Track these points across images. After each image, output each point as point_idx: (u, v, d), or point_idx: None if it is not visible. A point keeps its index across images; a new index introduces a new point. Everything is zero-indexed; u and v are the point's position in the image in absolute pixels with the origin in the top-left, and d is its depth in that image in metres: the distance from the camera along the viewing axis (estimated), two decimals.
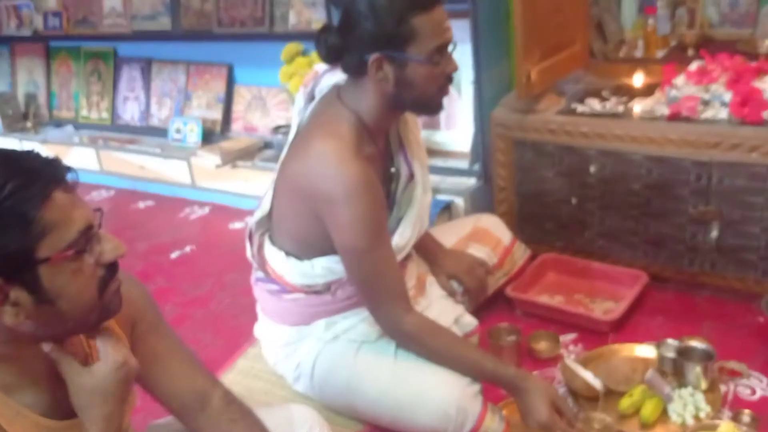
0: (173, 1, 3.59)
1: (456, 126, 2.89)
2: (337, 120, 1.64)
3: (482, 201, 2.69)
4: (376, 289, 1.67)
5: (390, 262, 1.68)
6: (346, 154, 1.58)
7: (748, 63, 2.28)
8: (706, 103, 2.23)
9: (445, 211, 2.66)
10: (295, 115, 1.87)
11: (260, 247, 1.87)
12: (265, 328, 1.95)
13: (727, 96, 2.18)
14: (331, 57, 1.63)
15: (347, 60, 1.61)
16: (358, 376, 1.73)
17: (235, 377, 2.04)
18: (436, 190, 2.72)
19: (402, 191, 1.83)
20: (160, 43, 3.79)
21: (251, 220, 1.89)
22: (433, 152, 2.90)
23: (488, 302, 2.32)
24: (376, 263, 1.64)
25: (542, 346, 2.09)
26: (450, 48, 1.62)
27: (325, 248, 1.69)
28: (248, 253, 1.90)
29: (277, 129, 3.29)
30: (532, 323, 2.22)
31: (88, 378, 1.06)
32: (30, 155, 0.98)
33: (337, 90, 1.70)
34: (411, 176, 1.83)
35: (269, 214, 1.84)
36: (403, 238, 1.80)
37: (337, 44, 1.59)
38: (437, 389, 1.63)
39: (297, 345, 1.84)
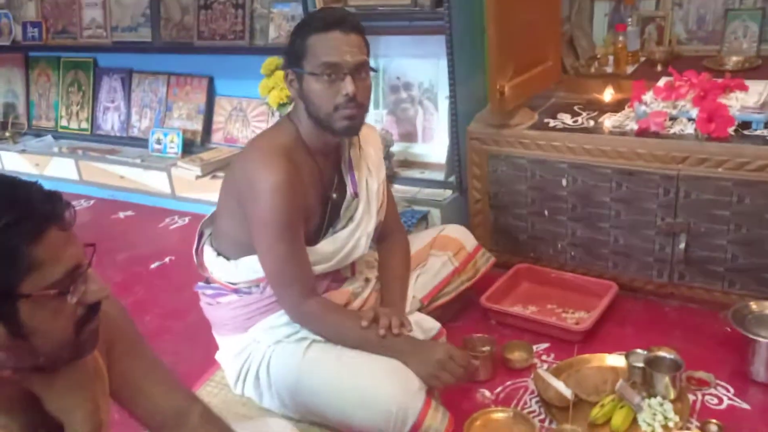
0: (154, 13, 3.61)
1: (433, 138, 2.94)
2: (279, 129, 1.85)
3: (458, 212, 2.73)
4: (282, 275, 1.78)
5: (298, 254, 1.78)
6: (274, 153, 1.73)
7: (715, 79, 2.34)
8: (673, 119, 2.30)
9: (422, 221, 2.70)
10: None
11: (203, 247, 1.99)
12: (220, 350, 2.01)
13: (694, 112, 2.25)
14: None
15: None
16: (305, 375, 1.77)
17: (212, 390, 2.06)
18: (412, 201, 2.76)
19: (345, 208, 1.91)
20: (141, 54, 3.81)
21: (203, 220, 2.03)
22: (410, 164, 2.96)
23: (462, 312, 2.37)
24: (285, 253, 1.75)
25: (516, 356, 2.13)
26: (363, 75, 1.73)
27: (251, 247, 1.80)
28: (193, 249, 2.02)
29: None
30: (506, 333, 2.27)
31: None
32: (32, 189, 0.97)
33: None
34: (355, 195, 1.91)
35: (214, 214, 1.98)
36: (327, 246, 1.87)
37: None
38: (378, 387, 1.67)
39: (245, 355, 1.89)
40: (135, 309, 2.67)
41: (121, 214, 3.66)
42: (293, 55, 1.73)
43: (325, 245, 1.87)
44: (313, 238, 1.86)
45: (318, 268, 1.85)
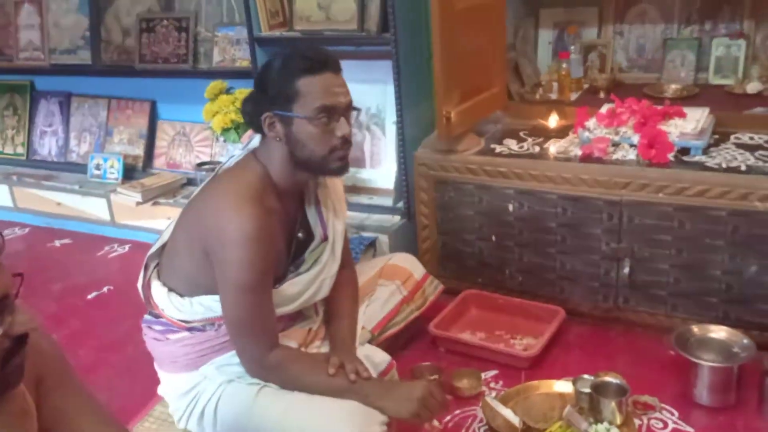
0: (94, 35, 3.53)
1: (381, 164, 2.93)
2: (247, 170, 1.75)
3: (406, 238, 2.72)
4: (246, 328, 1.69)
5: (266, 305, 1.71)
6: (246, 200, 1.65)
7: (655, 106, 2.39)
8: (616, 145, 2.34)
9: (370, 248, 2.68)
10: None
11: (149, 280, 1.89)
12: (164, 385, 1.92)
13: (636, 138, 2.29)
14: (248, 122, 1.77)
15: (254, 122, 1.73)
16: (256, 417, 1.69)
17: (151, 426, 1.98)
18: (361, 227, 2.74)
19: (311, 250, 1.87)
20: (81, 77, 3.71)
21: (149, 251, 1.92)
22: (358, 189, 2.94)
23: (411, 339, 2.34)
24: (252, 305, 1.67)
25: (464, 383, 2.10)
26: (354, 116, 1.73)
27: (209, 287, 1.73)
28: (139, 283, 1.92)
29: (200, 165, 3.25)
30: (455, 360, 2.25)
31: None
32: None
33: (255, 147, 1.81)
34: (325, 237, 1.88)
35: (163, 247, 1.88)
36: (291, 288, 1.82)
37: (249, 110, 1.74)
38: (336, 430, 1.60)
39: (194, 393, 1.80)
40: (70, 342, 2.56)
41: (58, 243, 3.52)
42: (279, 97, 1.66)
43: (289, 287, 1.81)
44: (277, 280, 1.80)
45: (280, 311, 1.78)
